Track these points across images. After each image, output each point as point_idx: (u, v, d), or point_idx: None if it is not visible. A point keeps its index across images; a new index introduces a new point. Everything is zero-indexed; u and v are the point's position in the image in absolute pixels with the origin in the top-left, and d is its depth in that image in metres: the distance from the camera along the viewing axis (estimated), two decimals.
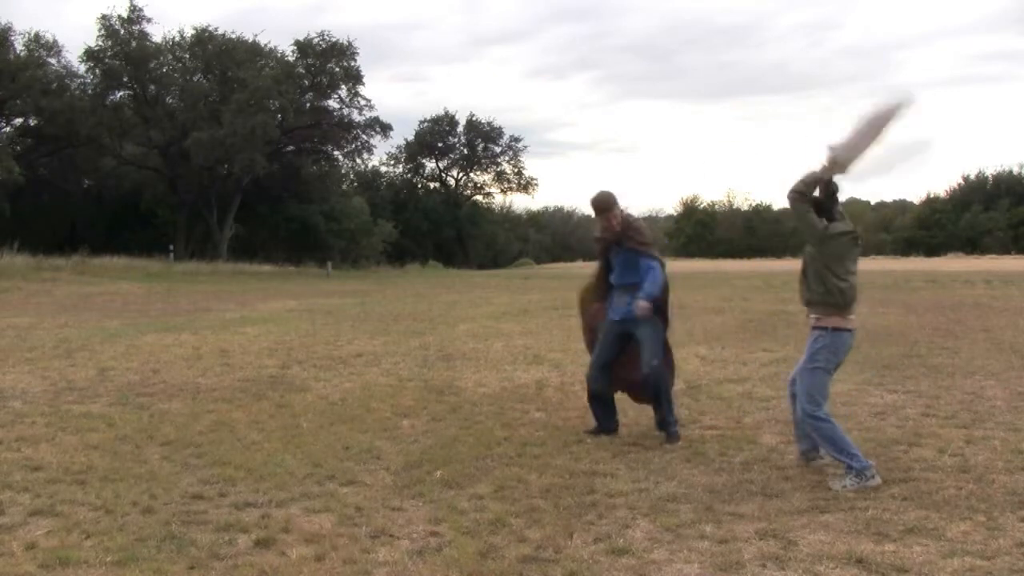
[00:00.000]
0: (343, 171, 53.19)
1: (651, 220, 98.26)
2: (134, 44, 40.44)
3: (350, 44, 43.02)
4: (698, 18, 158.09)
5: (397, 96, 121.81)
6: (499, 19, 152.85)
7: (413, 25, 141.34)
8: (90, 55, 40.36)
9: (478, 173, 67.38)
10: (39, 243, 33.29)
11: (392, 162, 65.70)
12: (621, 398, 6.25)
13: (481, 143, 65.78)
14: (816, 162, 4.95)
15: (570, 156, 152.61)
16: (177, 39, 42.66)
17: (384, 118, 47.23)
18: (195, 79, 42.59)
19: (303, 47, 42.94)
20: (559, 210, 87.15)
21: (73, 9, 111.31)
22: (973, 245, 65.76)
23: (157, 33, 44.30)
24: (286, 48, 46.74)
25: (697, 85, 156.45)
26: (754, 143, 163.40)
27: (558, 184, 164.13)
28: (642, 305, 5.69)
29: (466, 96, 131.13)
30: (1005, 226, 68.15)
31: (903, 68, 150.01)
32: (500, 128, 64.96)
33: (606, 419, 6.13)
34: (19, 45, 39.31)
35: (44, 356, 10.22)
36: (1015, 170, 73.81)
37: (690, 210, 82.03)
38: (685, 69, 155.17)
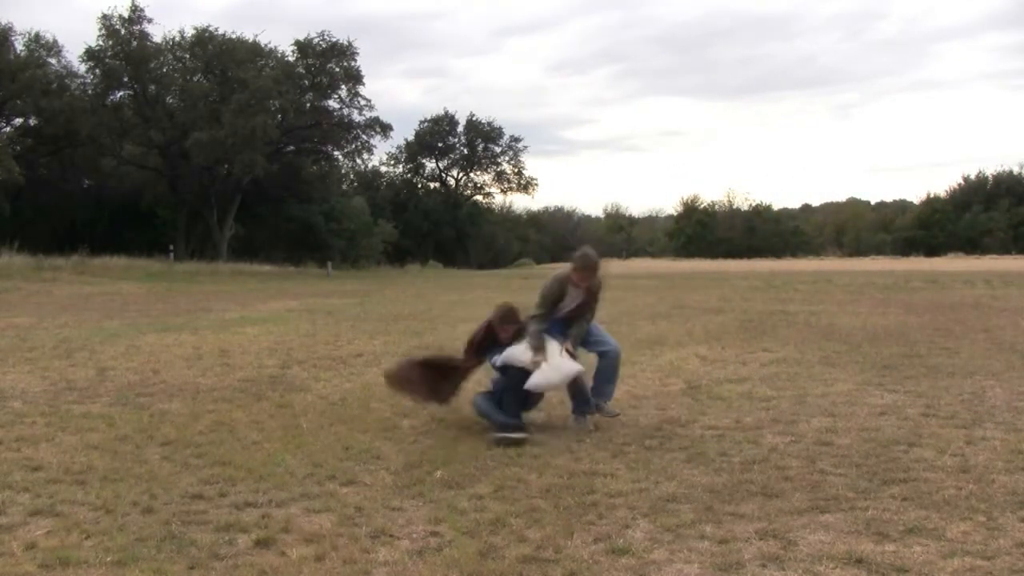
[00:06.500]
0: (343, 171, 53.36)
1: (651, 220, 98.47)
2: (134, 44, 40.50)
3: (350, 44, 43.19)
4: (730, 8, 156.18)
5: (412, 91, 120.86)
6: (527, 7, 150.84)
7: (433, 14, 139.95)
8: (90, 55, 40.42)
9: (478, 173, 67.59)
10: (39, 243, 33.32)
11: (392, 162, 65.93)
12: (621, 398, 6.22)
13: (481, 143, 65.94)
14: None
15: (581, 154, 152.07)
16: (177, 39, 42.74)
17: (399, 114, 47.65)
18: (195, 79, 42.62)
19: (303, 47, 43.04)
20: (559, 210, 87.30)
21: (74, 9, 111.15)
22: (973, 245, 65.86)
23: (158, 33, 44.24)
24: (286, 48, 46.88)
25: (723, 80, 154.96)
26: (777, 140, 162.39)
27: (569, 182, 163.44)
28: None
29: (483, 92, 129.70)
30: (1005, 226, 68.26)
31: (940, 61, 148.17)
32: (500, 128, 65.26)
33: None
34: (19, 45, 39.42)
35: (44, 356, 10.22)
36: (1015, 170, 73.97)
37: (690, 210, 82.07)
38: (711, 63, 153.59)
